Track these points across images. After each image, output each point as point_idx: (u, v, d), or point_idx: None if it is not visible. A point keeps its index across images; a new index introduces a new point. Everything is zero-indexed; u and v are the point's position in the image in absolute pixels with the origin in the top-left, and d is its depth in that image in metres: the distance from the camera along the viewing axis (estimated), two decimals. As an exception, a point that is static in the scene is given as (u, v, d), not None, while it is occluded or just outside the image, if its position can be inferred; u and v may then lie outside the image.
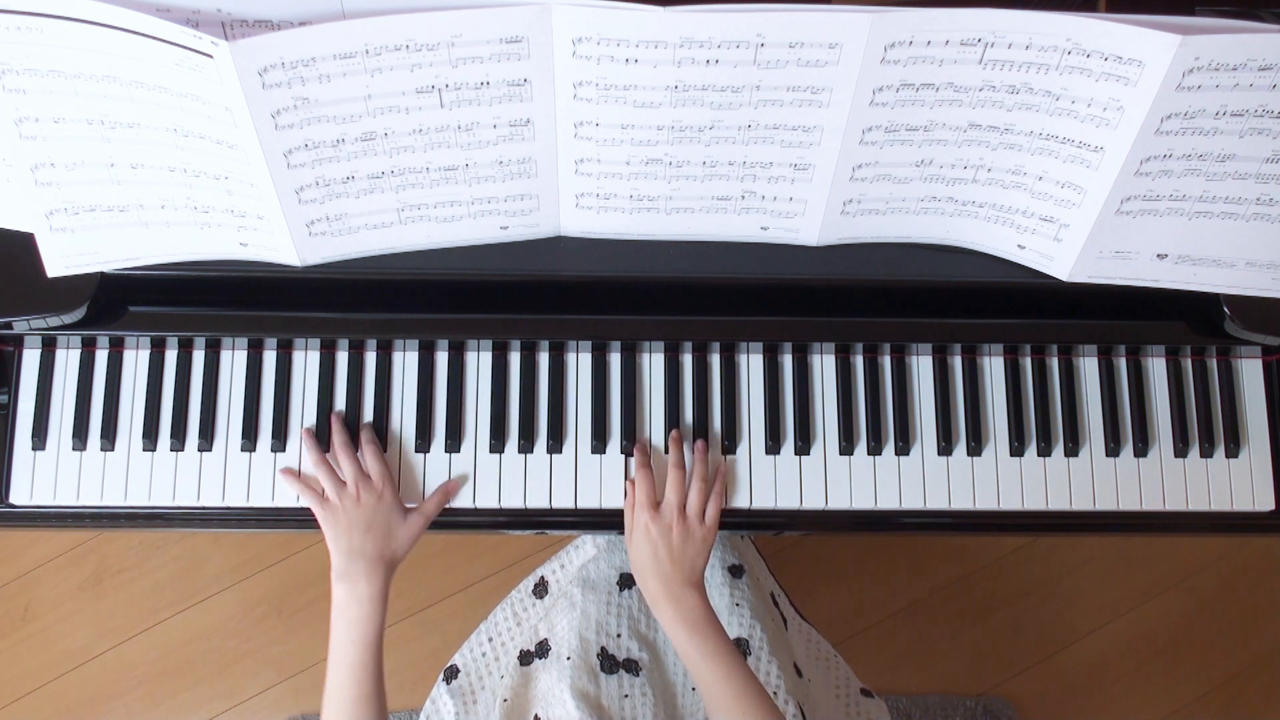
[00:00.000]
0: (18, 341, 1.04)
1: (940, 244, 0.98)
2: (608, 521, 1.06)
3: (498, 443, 1.05)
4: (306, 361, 1.05)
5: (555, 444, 1.05)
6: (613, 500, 1.04)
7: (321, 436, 1.04)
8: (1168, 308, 1.03)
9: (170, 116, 0.82)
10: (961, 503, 1.05)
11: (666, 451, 1.04)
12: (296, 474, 1.03)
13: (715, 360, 1.07)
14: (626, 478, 1.05)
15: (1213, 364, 1.08)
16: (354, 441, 1.03)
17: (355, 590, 0.95)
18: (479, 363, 1.06)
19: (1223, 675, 1.89)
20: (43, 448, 1.03)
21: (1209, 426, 1.07)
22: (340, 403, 1.05)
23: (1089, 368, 1.08)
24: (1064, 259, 0.95)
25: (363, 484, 1.00)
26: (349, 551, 0.97)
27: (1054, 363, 1.08)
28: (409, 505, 1.02)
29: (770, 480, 1.05)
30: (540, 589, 1.18)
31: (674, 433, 1.04)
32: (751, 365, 1.07)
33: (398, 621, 1.84)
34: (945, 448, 1.06)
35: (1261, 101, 0.81)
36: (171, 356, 1.05)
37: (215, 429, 1.04)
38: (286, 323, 1.02)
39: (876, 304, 1.04)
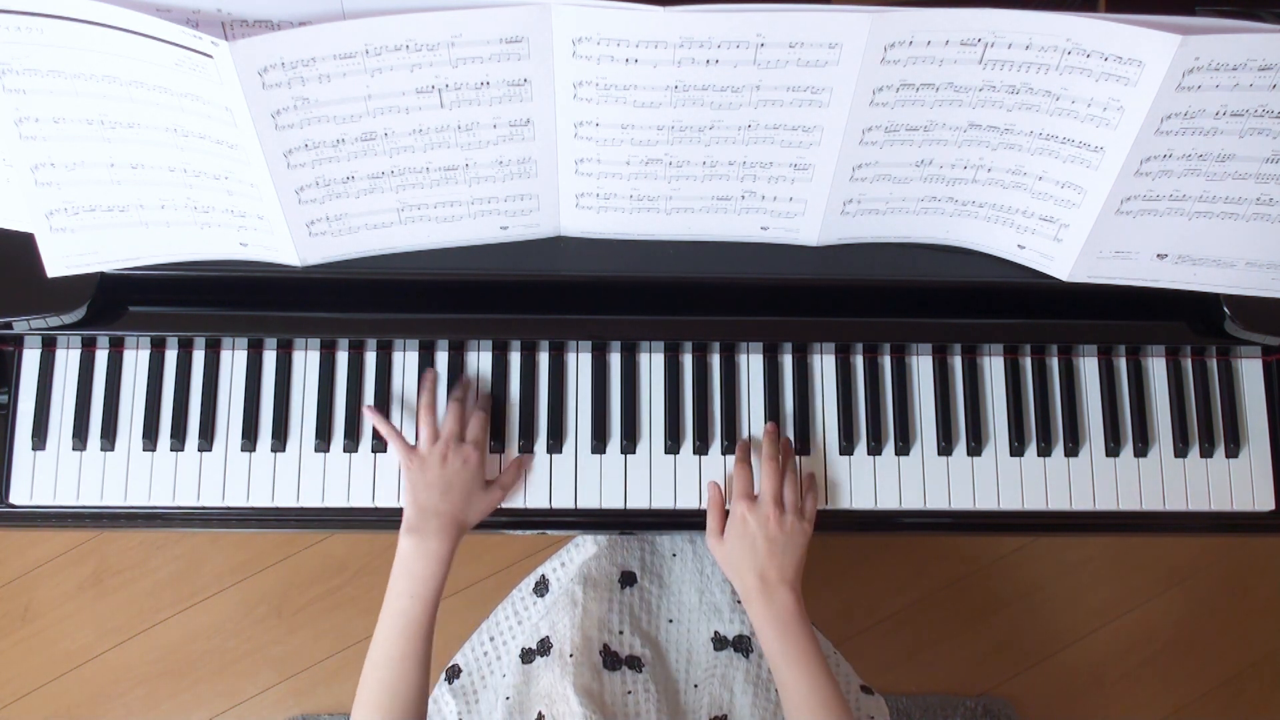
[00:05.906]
0: (18, 341, 1.04)
1: (940, 244, 0.98)
2: (608, 522, 1.06)
3: (497, 443, 1.05)
4: (306, 361, 1.05)
5: (555, 444, 1.05)
6: (612, 500, 1.04)
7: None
8: (1168, 308, 1.03)
9: (170, 116, 0.82)
10: (961, 503, 1.05)
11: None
12: (385, 416, 1.03)
13: (715, 360, 1.07)
14: (626, 478, 1.05)
15: (1213, 364, 1.08)
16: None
17: (424, 545, 0.94)
18: (479, 363, 1.06)
19: (1223, 675, 1.89)
20: (43, 448, 1.03)
21: (1209, 426, 1.07)
22: (340, 403, 1.05)
23: (1089, 368, 1.08)
24: (1064, 259, 0.95)
25: (454, 445, 0.98)
26: (424, 508, 0.96)
27: (1054, 363, 1.08)
28: (488, 479, 1.02)
29: (770, 480, 1.05)
30: (541, 587, 1.18)
31: (769, 425, 1.03)
32: (751, 365, 1.07)
33: (398, 621, 1.84)
34: (945, 448, 1.06)
35: (1261, 101, 0.81)
36: (171, 356, 1.05)
37: (215, 429, 1.04)
38: (286, 323, 1.02)
39: (876, 304, 1.04)
